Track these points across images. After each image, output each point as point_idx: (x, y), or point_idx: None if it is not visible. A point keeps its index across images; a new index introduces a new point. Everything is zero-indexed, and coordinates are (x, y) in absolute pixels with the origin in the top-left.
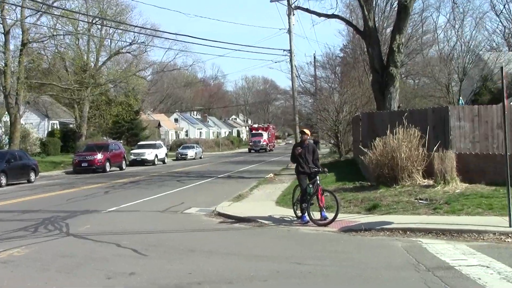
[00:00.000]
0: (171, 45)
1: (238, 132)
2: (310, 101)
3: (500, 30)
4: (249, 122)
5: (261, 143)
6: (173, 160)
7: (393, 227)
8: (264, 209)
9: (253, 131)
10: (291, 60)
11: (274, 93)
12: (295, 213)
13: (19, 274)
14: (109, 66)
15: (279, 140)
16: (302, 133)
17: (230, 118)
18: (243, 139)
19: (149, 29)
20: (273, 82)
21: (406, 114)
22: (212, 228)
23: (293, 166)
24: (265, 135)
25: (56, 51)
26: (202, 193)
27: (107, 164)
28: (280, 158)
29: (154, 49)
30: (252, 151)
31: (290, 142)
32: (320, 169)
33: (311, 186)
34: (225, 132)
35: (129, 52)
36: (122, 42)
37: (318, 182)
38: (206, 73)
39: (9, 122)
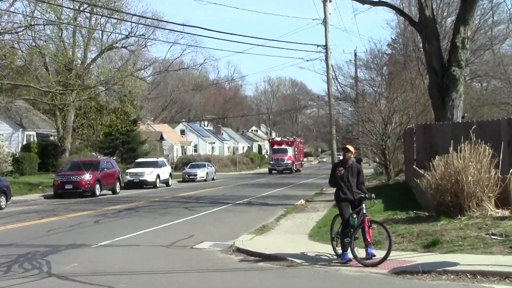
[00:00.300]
0: (177, 38)
1: (260, 147)
2: (350, 109)
3: None
4: (273, 135)
5: (285, 162)
6: (179, 181)
7: (459, 269)
8: (295, 245)
9: (275, 146)
10: (326, 58)
11: (304, 99)
12: (334, 249)
13: None
14: (100, 64)
15: (310, 158)
16: (345, 150)
17: (250, 130)
18: (266, 156)
19: (150, 18)
20: (303, 85)
21: (474, 126)
22: (230, 268)
23: (330, 190)
24: (290, 151)
25: (34, 44)
26: (217, 224)
27: (97, 186)
28: (311, 181)
29: (156, 44)
30: (273, 171)
31: (325, 160)
32: (366, 195)
33: (355, 216)
34: (243, 148)
35: (125, 47)
36: (117, 35)
37: (365, 211)
38: (220, 74)
39: None
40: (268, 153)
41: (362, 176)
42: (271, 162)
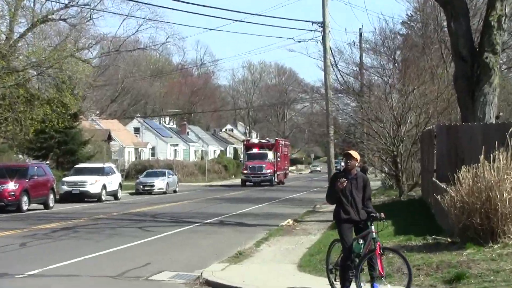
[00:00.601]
0: (132, 10)
1: (236, 151)
2: (352, 104)
3: None
4: (254, 135)
5: (264, 171)
6: (131, 194)
7: None
8: (281, 277)
9: (251, 150)
10: (324, 39)
11: (294, 90)
12: (331, 284)
13: None
14: (31, 41)
15: (299, 166)
16: (348, 156)
17: (224, 129)
18: (243, 162)
19: None
20: (293, 72)
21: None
22: None
23: (325, 207)
24: (271, 157)
25: None
26: (180, 249)
27: (25, 198)
28: (301, 195)
29: (104, 16)
30: (248, 183)
31: (318, 169)
32: (377, 215)
33: (361, 242)
34: (214, 152)
35: (64, 20)
36: (53, 3)
37: (374, 235)
38: (187, 57)
39: None
40: (242, 159)
41: (369, 190)
42: (245, 171)
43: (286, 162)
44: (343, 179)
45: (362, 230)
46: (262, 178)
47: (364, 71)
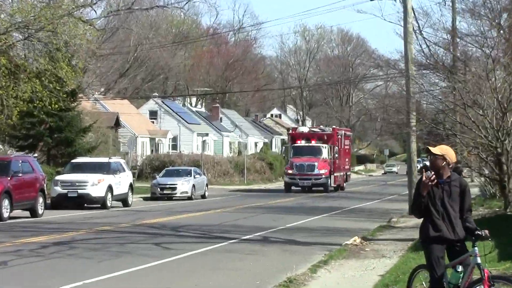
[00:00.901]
0: None
1: (285, 143)
2: (442, 84)
3: None
4: (308, 124)
5: (316, 172)
6: (146, 199)
7: None
8: None
9: (298, 142)
10: None
11: (364, 64)
12: None
13: None
14: None
15: (370, 165)
16: (429, 153)
17: (269, 115)
18: (288, 158)
19: None
20: (362, 41)
21: None
22: None
23: (405, 221)
24: (325, 153)
25: None
26: (210, 273)
27: (5, 203)
28: (371, 205)
29: None
30: (293, 187)
31: (395, 170)
32: (482, 232)
33: (460, 269)
34: (256, 144)
35: None
36: None
37: (478, 260)
38: (221, 18)
39: None
40: (288, 154)
41: (469, 199)
42: (290, 172)
43: (347, 159)
44: (430, 173)
45: (458, 253)
46: (313, 181)
47: (458, 40)
